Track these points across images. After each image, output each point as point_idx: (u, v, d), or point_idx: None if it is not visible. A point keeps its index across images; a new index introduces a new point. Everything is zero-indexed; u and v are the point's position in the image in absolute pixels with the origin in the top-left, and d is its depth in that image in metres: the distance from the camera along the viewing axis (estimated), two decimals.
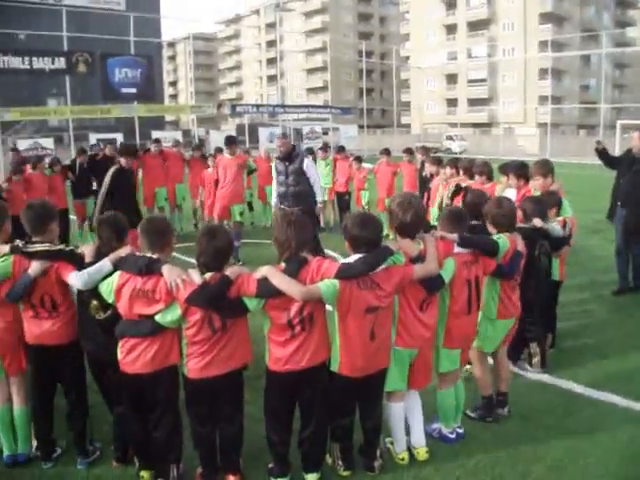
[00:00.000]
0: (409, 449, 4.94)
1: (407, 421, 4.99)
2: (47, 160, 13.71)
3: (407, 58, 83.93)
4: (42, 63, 27.16)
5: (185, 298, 4.15)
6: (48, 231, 4.81)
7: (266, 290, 4.19)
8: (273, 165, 10.95)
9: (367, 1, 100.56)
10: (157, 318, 4.24)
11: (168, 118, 68.16)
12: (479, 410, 5.59)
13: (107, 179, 10.72)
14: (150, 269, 4.23)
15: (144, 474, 4.64)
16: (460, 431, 5.28)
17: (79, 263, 4.61)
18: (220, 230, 4.56)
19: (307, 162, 10.48)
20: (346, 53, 76.26)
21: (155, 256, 4.33)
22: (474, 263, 4.97)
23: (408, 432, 5.00)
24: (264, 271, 4.24)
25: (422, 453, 4.92)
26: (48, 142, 28.90)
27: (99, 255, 4.60)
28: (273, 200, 10.98)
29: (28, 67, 26.91)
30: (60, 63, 27.65)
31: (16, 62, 26.43)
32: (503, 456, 4.92)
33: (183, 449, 4.68)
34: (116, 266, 4.43)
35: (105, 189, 10.59)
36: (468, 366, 5.71)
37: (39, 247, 4.67)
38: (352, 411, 4.74)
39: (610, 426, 5.36)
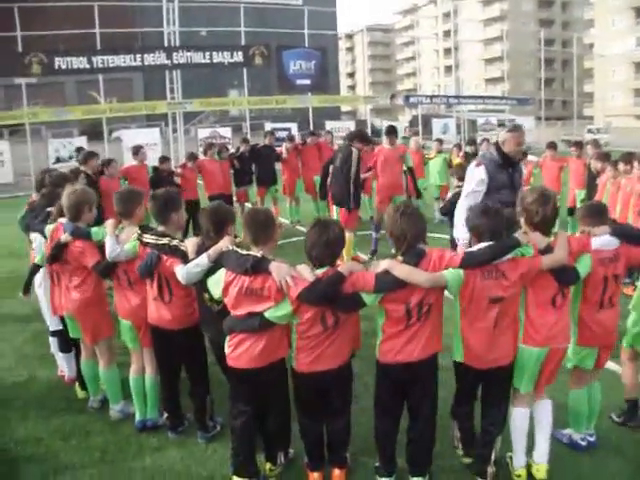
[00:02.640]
0: (528, 464, 4.64)
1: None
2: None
3: (591, 45, 79.81)
4: (221, 57, 28.50)
5: (296, 295, 4.14)
6: (170, 221, 5.15)
7: (384, 284, 4.17)
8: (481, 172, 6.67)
9: None
10: (267, 314, 4.25)
11: (344, 109, 68.96)
12: (623, 415, 5.30)
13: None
14: (257, 269, 4.22)
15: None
16: (592, 439, 5.00)
17: (183, 257, 4.82)
18: (332, 223, 4.50)
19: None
20: (526, 42, 73.62)
21: (260, 253, 4.30)
22: (613, 261, 4.70)
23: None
24: (385, 265, 4.21)
25: (542, 471, 4.59)
26: (226, 131, 30.27)
27: (202, 249, 4.70)
28: None
29: (208, 61, 28.42)
30: (238, 57, 28.85)
31: (197, 57, 27.92)
32: None
33: (292, 438, 4.82)
34: (216, 262, 4.50)
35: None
36: None
37: (149, 238, 5.06)
38: (472, 400, 4.68)
39: None
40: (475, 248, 4.33)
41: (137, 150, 12.91)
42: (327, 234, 4.24)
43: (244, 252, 4.35)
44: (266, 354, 4.38)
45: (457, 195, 7.55)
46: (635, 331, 5.20)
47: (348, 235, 8.02)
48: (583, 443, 4.97)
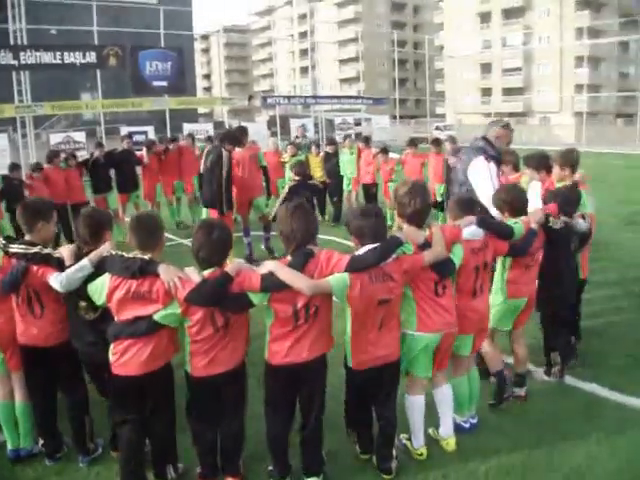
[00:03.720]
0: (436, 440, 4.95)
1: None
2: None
3: (441, 47, 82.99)
4: (73, 58, 27.23)
5: (184, 297, 4.08)
6: (36, 230, 4.81)
7: (271, 285, 4.12)
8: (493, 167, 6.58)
9: None
10: (156, 317, 4.17)
11: (201, 110, 68.20)
12: (495, 393, 5.55)
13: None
14: (145, 271, 4.14)
15: None
16: (474, 421, 5.25)
17: (58, 265, 4.55)
18: (218, 223, 4.46)
19: None
20: (379, 43, 75.56)
21: (147, 256, 4.23)
22: (483, 249, 4.95)
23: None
24: (270, 266, 4.18)
25: (452, 443, 4.94)
26: (80, 136, 28.96)
27: (79, 256, 4.53)
28: None
29: (60, 62, 26.95)
30: (91, 57, 27.61)
31: (47, 57, 26.45)
32: (517, 464, 4.73)
33: (178, 449, 4.65)
34: (97, 267, 4.37)
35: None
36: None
37: (16, 248, 4.68)
38: (369, 405, 4.72)
39: (634, 432, 5.11)
40: (361, 252, 4.32)
41: None
42: (215, 234, 4.20)
43: (130, 255, 4.24)
44: (153, 359, 4.26)
45: None
46: (494, 312, 5.47)
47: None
48: (466, 425, 5.21)
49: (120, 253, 4.32)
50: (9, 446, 5.08)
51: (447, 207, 5.41)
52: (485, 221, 5.02)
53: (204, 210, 10.91)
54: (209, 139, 16.53)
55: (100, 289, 4.26)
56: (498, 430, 5.23)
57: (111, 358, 4.32)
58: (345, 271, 4.17)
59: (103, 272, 4.31)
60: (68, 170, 13.22)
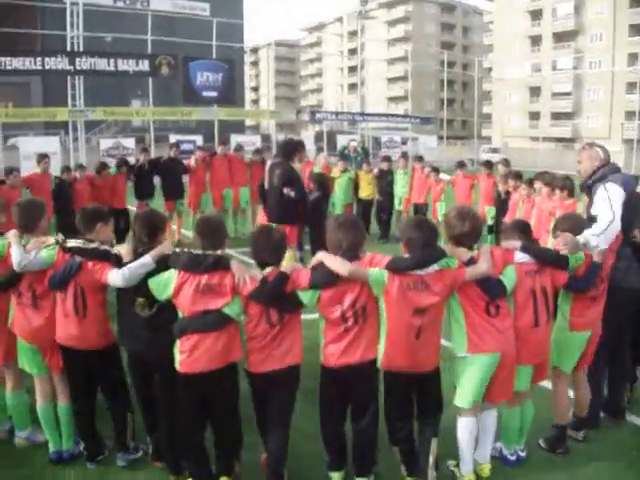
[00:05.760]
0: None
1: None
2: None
3: (490, 69, 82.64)
4: (126, 65, 27.71)
5: (247, 294, 4.36)
6: (95, 231, 4.90)
7: (319, 279, 4.40)
8: None
9: (450, 11, 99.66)
10: (226, 310, 4.37)
11: (249, 123, 68.69)
12: (550, 440, 5.29)
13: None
14: (218, 265, 4.38)
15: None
16: (522, 454, 5.11)
17: (116, 262, 4.63)
18: (274, 228, 5.01)
19: None
20: (428, 63, 75.42)
21: (218, 252, 4.50)
22: (538, 273, 4.81)
23: None
24: (319, 256, 4.50)
25: (486, 470, 4.86)
26: (129, 142, 29.42)
27: (136, 254, 4.63)
28: None
29: (113, 69, 27.47)
30: (144, 65, 28.10)
31: (102, 64, 26.94)
32: None
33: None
34: (158, 263, 4.50)
35: None
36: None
37: (74, 242, 4.75)
38: (407, 415, 4.73)
39: None
40: (404, 256, 4.50)
41: (41, 159, 12.27)
42: (273, 237, 4.60)
43: (199, 252, 4.46)
44: (225, 353, 4.43)
45: None
46: (555, 346, 5.22)
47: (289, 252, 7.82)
48: (512, 458, 5.07)
49: (189, 250, 4.54)
50: (51, 448, 5.08)
51: (503, 229, 5.37)
52: (528, 247, 4.85)
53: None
54: (257, 151, 16.48)
55: (165, 283, 4.42)
56: (552, 461, 5.08)
57: (178, 357, 4.42)
58: (385, 268, 4.39)
59: (164, 269, 4.48)
60: (116, 176, 13.36)
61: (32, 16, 43.94)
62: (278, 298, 4.39)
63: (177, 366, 4.43)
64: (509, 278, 4.66)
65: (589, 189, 5.63)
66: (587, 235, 4.99)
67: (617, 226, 5.10)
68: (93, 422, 5.04)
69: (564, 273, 4.95)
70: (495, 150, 51.87)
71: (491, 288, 4.57)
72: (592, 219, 5.29)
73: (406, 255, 4.48)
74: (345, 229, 4.47)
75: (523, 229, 5.05)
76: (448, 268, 4.49)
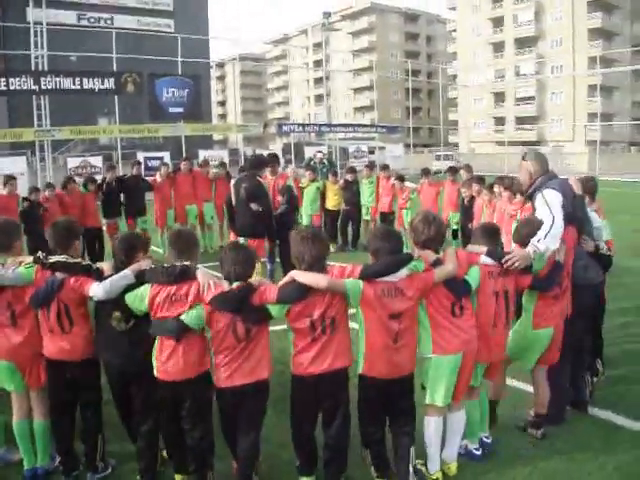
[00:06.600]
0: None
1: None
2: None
3: (454, 77, 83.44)
4: (92, 83, 27.71)
5: (209, 300, 4.41)
6: (73, 248, 4.99)
7: (287, 296, 4.44)
8: None
9: (414, 21, 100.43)
10: (182, 317, 4.45)
11: (216, 137, 68.73)
12: (531, 422, 5.60)
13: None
14: (185, 275, 4.51)
15: None
16: (487, 441, 5.29)
17: (98, 276, 4.73)
18: (242, 244, 5.21)
19: None
20: (393, 72, 76.04)
21: (187, 263, 4.58)
22: (502, 275, 5.01)
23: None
24: (292, 273, 4.53)
25: (453, 469, 4.95)
26: (97, 160, 29.30)
27: (117, 270, 4.75)
28: None
29: (79, 87, 27.47)
30: (109, 83, 28.14)
31: (67, 83, 26.95)
32: None
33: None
34: (137, 277, 4.63)
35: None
36: None
37: (56, 258, 4.80)
38: (381, 419, 4.85)
39: None
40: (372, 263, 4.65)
41: (7, 180, 12.30)
42: (242, 253, 4.65)
43: (169, 264, 4.59)
44: (194, 365, 4.56)
45: None
46: (516, 342, 5.43)
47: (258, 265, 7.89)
48: (478, 453, 5.19)
49: (161, 264, 4.65)
50: (26, 465, 5.04)
51: (473, 233, 5.53)
52: (493, 253, 5.02)
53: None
54: (222, 165, 16.59)
55: (141, 297, 4.56)
56: (513, 457, 5.22)
57: (155, 363, 4.58)
58: (359, 278, 4.51)
59: (141, 284, 4.61)
60: (85, 194, 13.44)
61: None
62: (244, 307, 4.42)
63: (155, 373, 4.58)
64: (473, 277, 4.86)
65: (530, 198, 5.87)
66: (534, 242, 5.18)
67: (560, 226, 5.28)
68: (72, 438, 5.08)
69: (528, 276, 5.17)
70: (447, 157, 51.67)
71: (456, 287, 4.75)
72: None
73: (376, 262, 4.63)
74: (308, 242, 4.53)
75: (490, 234, 5.22)
76: (417, 272, 4.65)
